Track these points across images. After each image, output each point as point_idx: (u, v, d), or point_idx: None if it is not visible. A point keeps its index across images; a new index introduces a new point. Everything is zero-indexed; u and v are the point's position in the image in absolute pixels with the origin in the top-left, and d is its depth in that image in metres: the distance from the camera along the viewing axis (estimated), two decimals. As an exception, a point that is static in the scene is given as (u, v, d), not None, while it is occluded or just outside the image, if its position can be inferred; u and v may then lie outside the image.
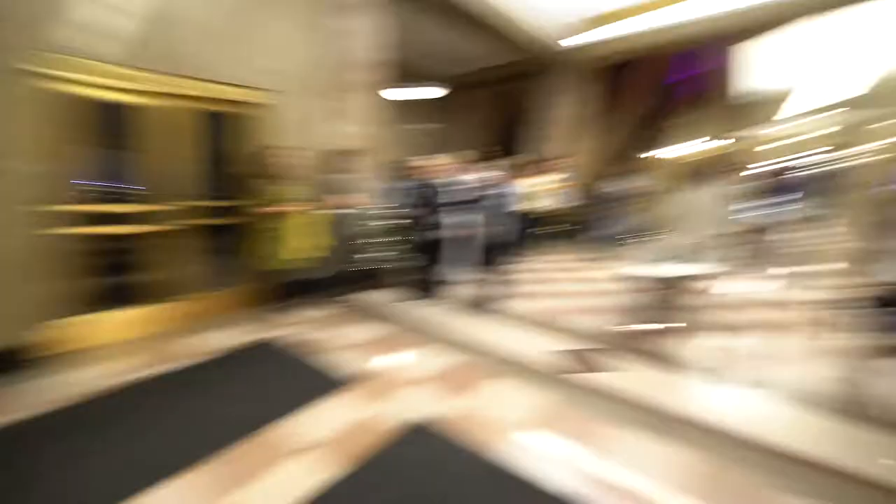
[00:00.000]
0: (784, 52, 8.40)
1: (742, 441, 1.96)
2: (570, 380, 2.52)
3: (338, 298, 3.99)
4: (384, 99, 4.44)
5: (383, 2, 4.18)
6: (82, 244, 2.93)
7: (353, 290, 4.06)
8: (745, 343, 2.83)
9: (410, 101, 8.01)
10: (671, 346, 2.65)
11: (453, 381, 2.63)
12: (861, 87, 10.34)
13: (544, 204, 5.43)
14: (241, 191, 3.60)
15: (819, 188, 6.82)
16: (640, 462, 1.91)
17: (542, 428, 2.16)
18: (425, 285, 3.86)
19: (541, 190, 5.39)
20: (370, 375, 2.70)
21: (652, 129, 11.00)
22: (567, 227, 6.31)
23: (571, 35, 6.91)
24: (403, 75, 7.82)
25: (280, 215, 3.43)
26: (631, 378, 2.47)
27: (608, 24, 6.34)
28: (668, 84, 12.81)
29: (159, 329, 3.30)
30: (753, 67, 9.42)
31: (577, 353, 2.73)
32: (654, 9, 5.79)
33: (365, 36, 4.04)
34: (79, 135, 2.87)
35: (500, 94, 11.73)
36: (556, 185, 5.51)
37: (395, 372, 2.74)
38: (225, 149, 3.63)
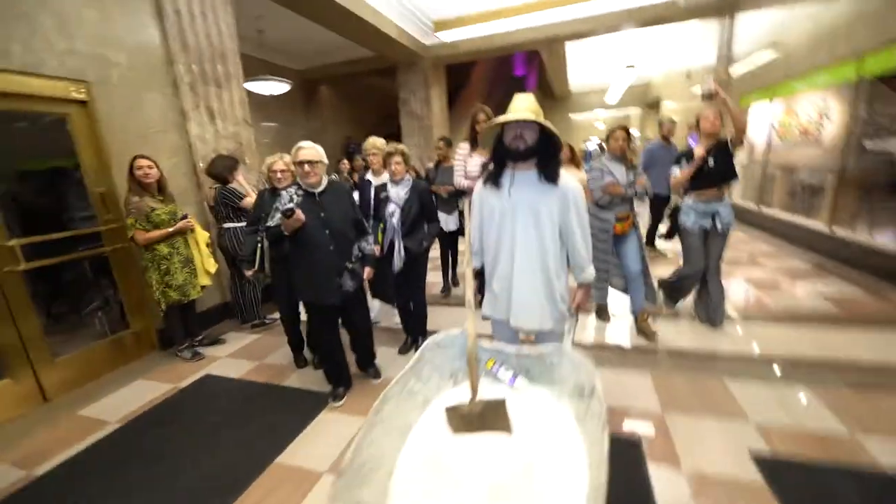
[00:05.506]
0: (601, 55, 10.83)
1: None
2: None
3: (254, 322, 3.55)
4: (247, 95, 4.00)
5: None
6: None
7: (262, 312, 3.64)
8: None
9: (266, 97, 7.36)
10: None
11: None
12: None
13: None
14: (92, 214, 2.89)
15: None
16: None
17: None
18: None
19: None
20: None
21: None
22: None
23: (430, 34, 7.54)
24: (255, 69, 7.20)
25: (170, 238, 2.85)
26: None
27: (456, 27, 7.33)
28: (516, 77, 14.97)
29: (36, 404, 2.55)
30: (577, 66, 11.84)
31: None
32: (496, 18, 7.04)
33: (211, 21, 3.50)
34: None
35: (369, 89, 11.79)
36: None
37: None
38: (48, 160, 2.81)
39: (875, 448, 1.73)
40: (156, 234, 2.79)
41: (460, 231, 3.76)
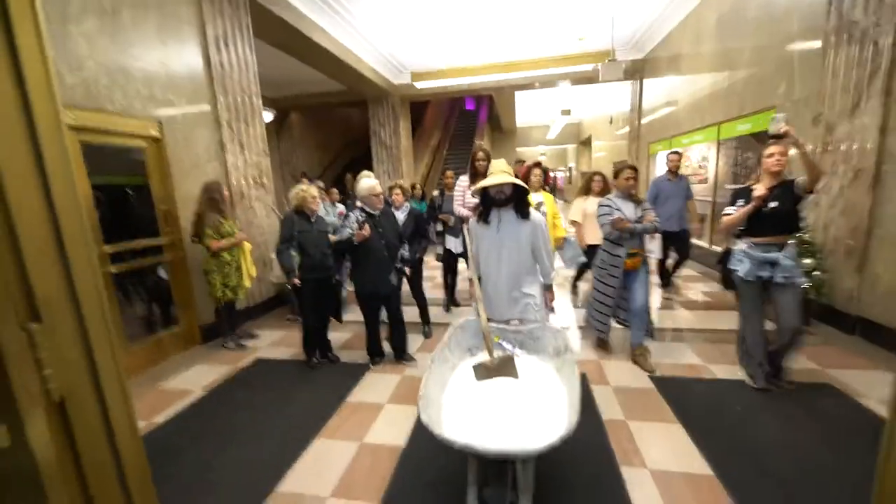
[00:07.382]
0: (543, 100, 12.75)
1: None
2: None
3: (288, 317, 4.45)
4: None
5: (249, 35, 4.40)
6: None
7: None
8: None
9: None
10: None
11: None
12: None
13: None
14: (164, 228, 3.59)
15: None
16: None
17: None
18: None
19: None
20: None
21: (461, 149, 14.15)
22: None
23: (400, 74, 8.75)
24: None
25: (235, 247, 3.61)
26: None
27: (431, 79, 8.78)
28: (468, 111, 16.61)
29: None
30: (523, 108, 13.72)
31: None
32: (462, 75, 8.61)
33: (243, 68, 4.33)
34: None
35: (337, 118, 12.60)
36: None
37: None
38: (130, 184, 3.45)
39: (717, 370, 3.02)
40: (225, 242, 3.51)
41: (464, 253, 4.17)
